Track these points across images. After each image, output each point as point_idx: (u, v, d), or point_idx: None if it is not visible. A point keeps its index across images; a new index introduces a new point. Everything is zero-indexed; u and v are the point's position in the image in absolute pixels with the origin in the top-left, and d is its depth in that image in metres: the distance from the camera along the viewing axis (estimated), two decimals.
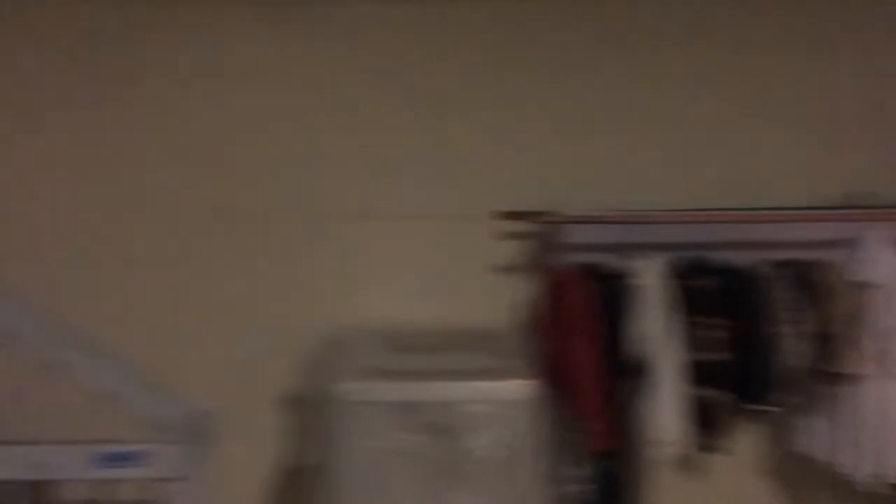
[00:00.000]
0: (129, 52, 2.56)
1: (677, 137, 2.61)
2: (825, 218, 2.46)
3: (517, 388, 2.12)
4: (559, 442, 2.30)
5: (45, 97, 2.54)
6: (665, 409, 2.27)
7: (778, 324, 2.31)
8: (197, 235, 2.57)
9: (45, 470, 1.53)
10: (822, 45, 2.61)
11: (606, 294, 2.34)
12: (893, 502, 2.40)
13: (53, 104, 2.55)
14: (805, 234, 2.47)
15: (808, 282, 2.36)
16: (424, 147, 2.60)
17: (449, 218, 2.57)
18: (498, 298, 2.57)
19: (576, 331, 2.31)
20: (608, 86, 2.60)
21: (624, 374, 2.29)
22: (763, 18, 2.60)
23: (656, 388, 2.27)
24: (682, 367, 2.29)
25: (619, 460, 2.35)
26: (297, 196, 2.58)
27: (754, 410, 2.36)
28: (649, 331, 2.28)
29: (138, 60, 2.56)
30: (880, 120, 2.62)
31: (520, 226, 2.53)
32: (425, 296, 2.58)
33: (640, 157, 2.60)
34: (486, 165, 2.59)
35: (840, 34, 2.62)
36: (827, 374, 2.32)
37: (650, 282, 2.32)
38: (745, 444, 2.57)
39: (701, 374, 2.30)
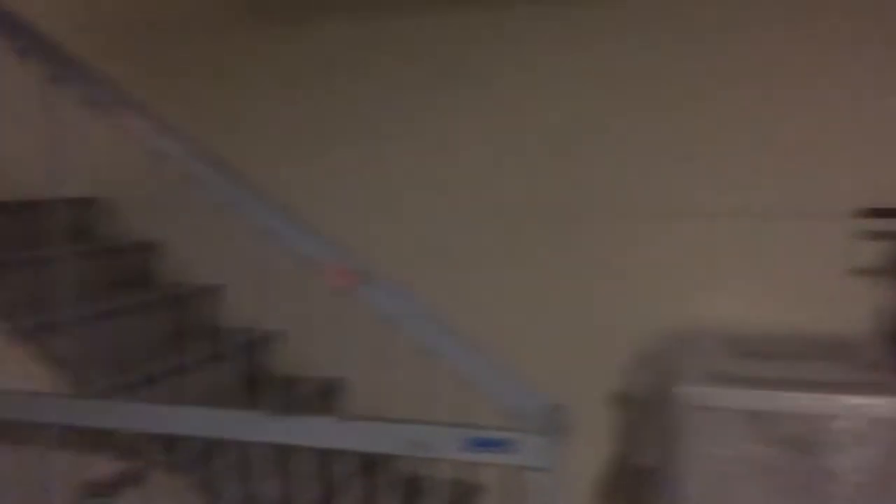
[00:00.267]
0: (472, 55, 2.69)
1: None
2: None
3: (891, 406, 1.90)
4: None
5: (406, 103, 2.77)
6: None
7: None
8: (535, 233, 2.64)
9: (423, 448, 1.64)
10: None
11: None
12: None
13: (416, 108, 2.76)
14: None
15: None
16: (764, 138, 2.43)
17: (798, 216, 2.38)
18: (856, 304, 2.33)
19: None
20: None
21: None
22: None
23: None
24: None
25: None
26: (632, 192, 2.55)
27: None
28: None
29: (481, 64, 2.69)
30: None
31: (884, 224, 2.27)
32: (771, 299, 2.41)
33: None
34: (843, 158, 2.36)
35: None
36: None
37: None
38: None
39: None
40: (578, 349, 2.60)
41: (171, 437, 1.94)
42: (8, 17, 2.07)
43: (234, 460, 2.09)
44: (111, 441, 2.03)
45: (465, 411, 1.79)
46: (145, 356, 2.38)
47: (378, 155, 2.80)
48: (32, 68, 2.12)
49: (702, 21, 2.43)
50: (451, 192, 2.72)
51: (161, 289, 2.86)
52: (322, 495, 1.87)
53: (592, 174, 2.58)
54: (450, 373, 1.84)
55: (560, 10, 2.56)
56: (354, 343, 1.93)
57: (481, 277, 2.67)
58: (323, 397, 2.81)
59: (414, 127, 2.76)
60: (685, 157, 2.49)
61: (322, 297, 1.98)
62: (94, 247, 2.74)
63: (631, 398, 2.53)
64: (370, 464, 1.81)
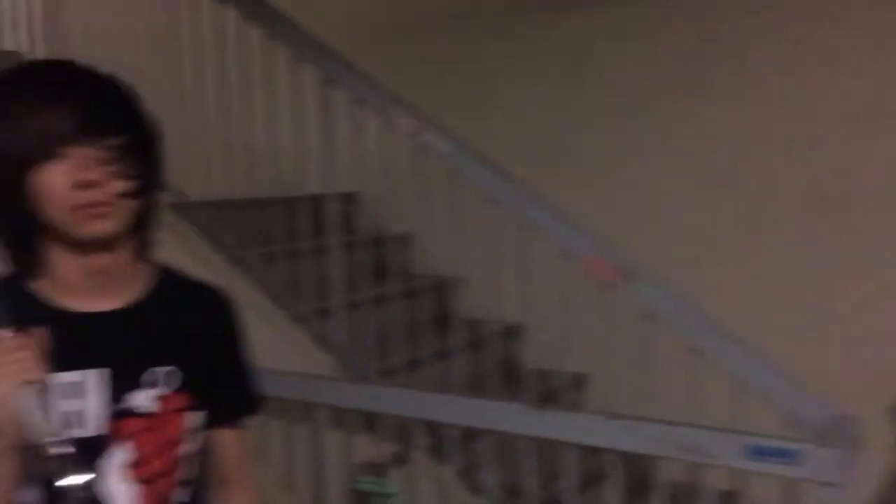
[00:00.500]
0: (733, 36, 2.54)
1: None
2: None
3: None
4: None
5: (657, 87, 2.67)
6: None
7: None
8: (801, 228, 2.45)
9: (697, 452, 1.56)
10: None
11: None
12: None
13: (665, 94, 2.66)
14: None
15: None
16: None
17: None
18: None
19: None
20: None
21: None
22: None
23: None
24: None
25: None
26: None
27: None
28: None
29: (741, 44, 2.53)
30: None
31: None
32: None
33: None
34: None
35: None
36: None
37: None
38: None
39: None
40: (858, 356, 2.37)
41: (434, 422, 2.00)
42: (290, 26, 2.24)
43: (495, 449, 2.13)
44: (379, 423, 2.14)
45: (745, 418, 1.67)
46: (405, 342, 2.49)
47: (636, 147, 2.74)
48: (309, 72, 2.28)
49: None
50: (711, 184, 2.60)
51: (416, 278, 2.99)
52: (579, 489, 1.85)
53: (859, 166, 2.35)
54: (716, 375, 1.74)
55: None
56: (605, 339, 1.89)
57: (751, 274, 2.52)
58: (574, 390, 2.80)
59: (667, 114, 2.66)
60: None
61: (577, 289, 1.96)
62: (357, 238, 2.91)
63: None
64: (626, 464, 1.76)
